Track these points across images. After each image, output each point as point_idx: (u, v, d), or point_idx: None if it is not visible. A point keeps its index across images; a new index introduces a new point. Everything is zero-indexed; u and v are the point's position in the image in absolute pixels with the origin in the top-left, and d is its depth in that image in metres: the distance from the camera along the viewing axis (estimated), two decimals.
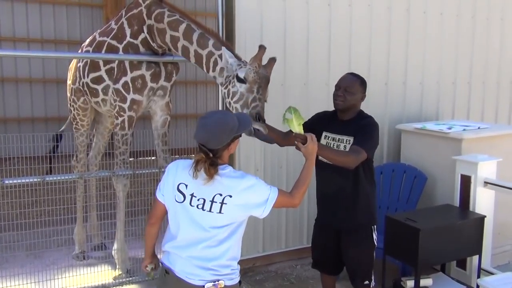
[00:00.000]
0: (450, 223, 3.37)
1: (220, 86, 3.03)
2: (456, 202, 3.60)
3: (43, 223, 3.68)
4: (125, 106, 3.44)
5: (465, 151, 3.75)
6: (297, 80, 4.04)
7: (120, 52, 3.42)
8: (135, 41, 3.39)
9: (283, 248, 4.20)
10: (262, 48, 2.85)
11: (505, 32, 5.16)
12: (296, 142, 2.37)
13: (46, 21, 7.94)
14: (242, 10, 3.71)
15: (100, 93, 3.62)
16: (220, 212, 2.01)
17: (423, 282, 3.27)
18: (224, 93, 2.92)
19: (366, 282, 2.83)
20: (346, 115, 2.81)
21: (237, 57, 2.97)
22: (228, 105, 2.90)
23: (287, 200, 2.17)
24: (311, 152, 2.32)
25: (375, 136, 2.77)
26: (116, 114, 3.50)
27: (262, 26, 3.83)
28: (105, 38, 3.57)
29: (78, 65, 3.86)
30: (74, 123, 4.20)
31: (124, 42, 3.41)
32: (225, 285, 2.04)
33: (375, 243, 2.83)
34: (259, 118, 2.73)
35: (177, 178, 2.07)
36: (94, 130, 4.38)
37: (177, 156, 3.76)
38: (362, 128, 2.72)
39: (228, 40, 3.57)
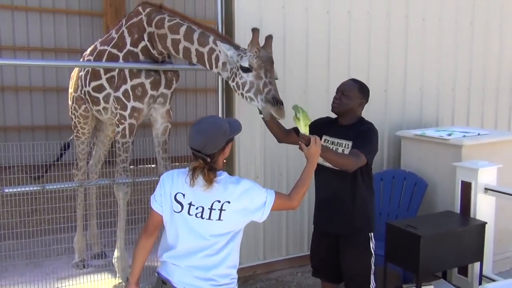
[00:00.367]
0: (451, 230, 3.36)
1: (228, 81, 3.02)
2: (457, 209, 3.59)
3: (43, 232, 3.67)
4: (126, 114, 3.44)
5: (465, 157, 3.75)
6: (297, 88, 4.05)
7: (120, 60, 3.44)
8: (135, 50, 3.40)
9: (283, 256, 4.19)
10: (255, 31, 2.86)
11: (504, 38, 5.18)
12: (300, 142, 2.38)
13: (46, 29, 7.98)
14: (242, 17, 3.73)
15: (101, 101, 3.63)
16: (219, 219, 1.99)
17: None
18: (233, 86, 2.94)
19: None
20: (345, 119, 2.83)
21: (235, 46, 2.97)
22: (241, 96, 2.91)
23: (285, 203, 2.16)
24: (313, 154, 2.31)
25: (374, 142, 2.78)
26: (117, 122, 3.50)
27: (261, 33, 3.83)
28: (105, 47, 3.58)
29: (80, 74, 3.87)
30: (75, 131, 4.20)
31: (124, 51, 3.42)
32: None
33: (373, 252, 2.83)
34: (276, 101, 2.74)
35: (173, 188, 2.05)
36: (94, 138, 4.38)
37: (177, 164, 3.76)
38: (362, 133, 2.74)
39: None
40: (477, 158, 3.67)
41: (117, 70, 3.46)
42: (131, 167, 3.66)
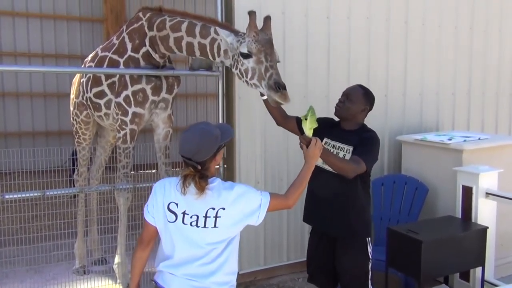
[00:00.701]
0: (453, 235, 3.35)
1: (231, 69, 3.00)
2: (458, 214, 3.58)
3: (43, 238, 3.66)
4: (127, 119, 3.45)
5: (466, 162, 3.75)
6: (297, 93, 4.04)
7: (121, 66, 3.44)
8: (136, 55, 3.41)
9: (284, 261, 4.18)
10: (252, 14, 2.83)
11: (503, 43, 5.19)
12: (301, 142, 2.40)
13: (47, 35, 8.01)
14: (242, 23, 3.73)
15: (103, 107, 3.63)
16: (215, 226, 1.97)
17: None
18: (237, 74, 2.92)
19: None
20: (348, 125, 2.84)
21: (235, 31, 2.95)
22: (246, 84, 2.89)
23: (281, 202, 2.15)
24: (312, 156, 2.31)
25: (375, 150, 2.79)
26: (118, 128, 3.51)
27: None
28: (106, 53, 3.59)
29: (81, 80, 3.88)
30: (76, 137, 4.20)
31: (125, 57, 3.43)
32: None
33: (370, 256, 2.83)
34: (279, 86, 2.71)
35: (166, 198, 2.02)
36: (96, 144, 4.38)
37: (178, 169, 3.75)
38: (364, 140, 2.74)
39: None
40: (478, 162, 3.66)
41: (118, 76, 3.46)
42: (132, 172, 3.66)
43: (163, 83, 3.52)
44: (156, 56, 3.40)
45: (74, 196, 4.18)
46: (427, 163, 4.07)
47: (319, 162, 2.87)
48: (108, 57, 3.55)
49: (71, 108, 4.16)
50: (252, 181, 3.90)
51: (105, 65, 3.55)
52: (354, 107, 2.81)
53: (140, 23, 3.40)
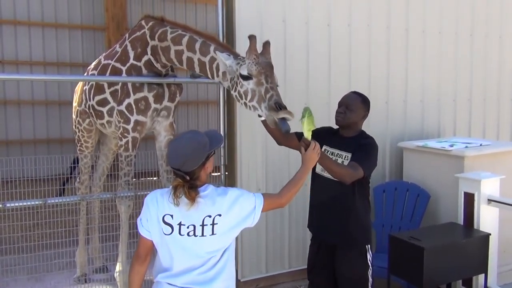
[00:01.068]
0: (455, 242, 3.34)
1: (230, 91, 2.99)
2: (460, 220, 3.57)
3: (44, 246, 3.65)
4: (129, 127, 3.45)
5: (468, 168, 3.74)
6: (298, 100, 4.05)
7: (123, 74, 3.45)
8: (138, 63, 3.42)
9: (286, 269, 4.16)
10: (252, 38, 2.83)
11: (503, 49, 5.20)
12: (300, 145, 2.41)
13: (48, 44, 8.05)
14: (242, 31, 3.75)
15: (106, 115, 3.64)
16: (213, 233, 1.96)
17: None
18: (236, 96, 2.90)
19: None
20: (348, 132, 2.85)
21: (235, 55, 2.95)
22: (245, 106, 2.87)
23: (274, 202, 2.16)
24: (309, 159, 2.32)
25: (373, 156, 2.80)
26: (120, 136, 3.51)
27: (261, 47, 3.86)
28: (109, 61, 3.60)
29: (84, 88, 3.89)
30: (78, 145, 4.21)
31: (127, 65, 3.44)
32: None
33: (370, 264, 2.83)
34: (280, 106, 2.68)
35: (160, 211, 2.00)
36: (98, 152, 4.39)
37: None
38: (362, 147, 2.76)
39: None
40: (480, 169, 3.66)
41: (120, 84, 3.47)
42: (133, 180, 3.66)
43: (165, 91, 3.53)
44: (158, 66, 3.41)
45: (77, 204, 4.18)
46: (428, 170, 4.06)
47: (318, 169, 2.88)
48: (110, 65, 3.57)
49: (74, 116, 4.17)
50: (254, 188, 3.89)
51: (107, 73, 3.56)
52: (355, 116, 2.83)
53: (142, 31, 3.41)
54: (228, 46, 3.25)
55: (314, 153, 2.33)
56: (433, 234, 3.44)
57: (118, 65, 3.50)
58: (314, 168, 2.94)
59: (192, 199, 1.92)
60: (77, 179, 4.28)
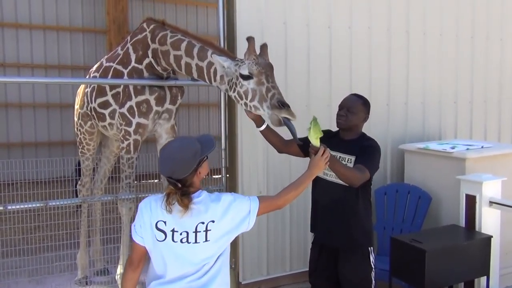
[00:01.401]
0: (457, 244, 3.34)
1: (228, 93, 2.98)
2: (462, 223, 3.56)
3: (45, 249, 3.65)
4: (131, 129, 3.45)
5: (469, 170, 3.74)
6: (299, 103, 4.05)
7: (125, 77, 3.45)
8: (139, 66, 3.42)
9: (288, 271, 4.16)
10: (251, 40, 2.82)
11: (504, 51, 5.20)
12: (310, 152, 2.42)
13: (50, 47, 8.06)
14: (243, 33, 3.75)
15: (107, 117, 3.64)
16: (206, 240, 1.94)
17: None
18: (235, 96, 2.88)
19: None
20: (348, 134, 2.85)
21: (232, 58, 2.94)
22: (245, 106, 2.85)
23: (270, 204, 2.13)
24: (315, 165, 2.31)
25: (377, 158, 2.80)
26: (122, 138, 3.51)
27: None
28: (111, 64, 3.61)
29: (86, 90, 3.90)
30: (80, 147, 4.21)
31: (129, 67, 3.45)
32: None
33: (373, 266, 2.82)
34: (283, 104, 2.66)
35: (153, 217, 1.98)
36: (100, 154, 4.40)
37: None
38: (365, 149, 2.75)
39: None
40: (481, 171, 3.66)
41: (122, 86, 3.48)
42: (134, 182, 3.67)
43: (166, 93, 3.53)
44: (158, 68, 3.41)
45: (79, 206, 4.18)
46: (430, 172, 4.06)
47: (320, 173, 2.87)
48: (112, 68, 3.57)
49: (75, 119, 4.18)
50: (255, 191, 3.89)
51: (109, 76, 3.57)
52: (356, 118, 2.83)
53: (144, 34, 3.42)
54: (226, 50, 3.25)
55: (321, 161, 2.31)
56: (434, 236, 3.44)
57: (119, 67, 3.51)
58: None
59: (185, 206, 1.91)
60: (79, 182, 4.28)
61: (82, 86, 4.12)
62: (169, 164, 1.94)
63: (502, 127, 5.24)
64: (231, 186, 3.87)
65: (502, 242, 3.59)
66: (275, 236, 4.06)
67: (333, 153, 2.82)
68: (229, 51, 3.41)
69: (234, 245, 3.94)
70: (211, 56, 3.02)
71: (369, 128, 3.81)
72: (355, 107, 2.83)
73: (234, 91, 2.86)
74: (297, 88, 4.05)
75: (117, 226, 3.75)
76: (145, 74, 3.43)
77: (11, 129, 7.86)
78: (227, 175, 3.83)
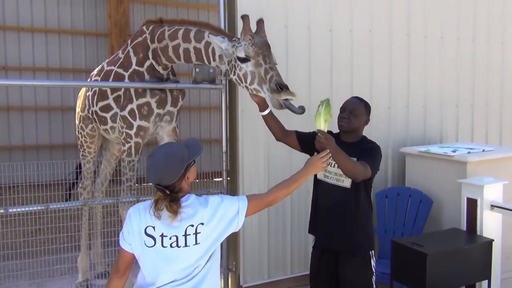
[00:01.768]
0: (458, 248, 3.33)
1: (229, 75, 2.96)
2: (463, 226, 3.55)
3: (46, 251, 3.65)
4: (132, 132, 3.46)
5: (470, 174, 3.73)
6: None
7: (126, 80, 3.46)
8: (140, 69, 3.43)
9: (288, 274, 4.15)
10: (245, 18, 2.79)
11: (505, 55, 5.20)
12: (317, 140, 2.40)
13: (51, 50, 8.08)
14: None
15: (109, 120, 3.65)
16: (196, 243, 1.94)
17: None
18: (236, 79, 2.86)
19: None
20: (350, 137, 2.85)
21: (229, 37, 2.90)
22: (246, 89, 2.83)
23: (260, 202, 2.13)
24: (312, 164, 2.31)
25: (378, 159, 2.80)
26: (123, 141, 3.52)
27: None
28: (112, 67, 3.62)
29: (87, 93, 3.90)
30: (81, 150, 4.22)
31: (130, 70, 3.45)
32: None
33: (374, 270, 2.82)
34: (281, 87, 2.63)
35: (142, 223, 1.97)
36: (101, 157, 4.40)
37: None
38: (367, 150, 2.77)
39: None
40: (482, 174, 3.65)
41: (123, 89, 3.48)
42: (136, 185, 3.67)
43: (168, 96, 3.54)
44: (159, 69, 3.42)
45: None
46: (431, 175, 4.05)
47: (321, 175, 2.87)
48: (113, 71, 3.58)
49: (77, 122, 4.18)
50: (256, 190, 3.88)
51: (110, 79, 3.57)
52: (358, 121, 2.84)
53: (143, 36, 3.43)
54: (224, 30, 3.21)
55: (319, 161, 2.29)
56: (436, 240, 3.43)
57: (120, 71, 3.51)
58: (316, 174, 2.93)
59: (174, 212, 1.91)
60: (80, 185, 4.28)
61: (83, 89, 4.12)
62: (156, 171, 1.94)
63: (503, 130, 5.24)
64: (232, 189, 3.87)
65: (503, 246, 3.58)
66: (276, 239, 4.05)
67: None
68: (221, 28, 3.33)
69: (235, 248, 3.93)
70: (208, 37, 2.99)
71: (371, 131, 3.81)
72: (357, 109, 2.83)
73: (234, 74, 2.84)
74: (298, 90, 4.00)
75: (118, 229, 3.74)
76: (146, 76, 3.44)
77: (13, 132, 7.87)
78: (228, 178, 3.83)
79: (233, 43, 2.83)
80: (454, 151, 3.97)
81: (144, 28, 3.46)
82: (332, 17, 4.19)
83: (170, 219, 1.92)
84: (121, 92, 3.51)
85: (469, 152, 3.93)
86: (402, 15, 4.54)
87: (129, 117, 3.44)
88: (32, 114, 7.99)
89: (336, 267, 2.83)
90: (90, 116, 3.89)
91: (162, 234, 1.94)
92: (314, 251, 3.00)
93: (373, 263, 2.82)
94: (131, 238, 2.00)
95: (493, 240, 3.37)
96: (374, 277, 2.83)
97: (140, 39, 3.46)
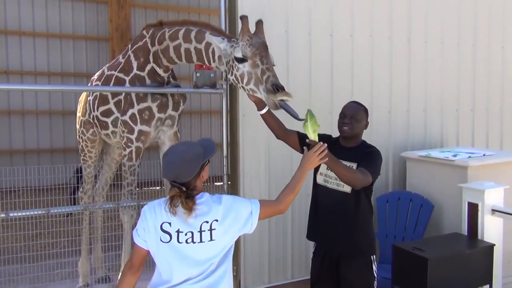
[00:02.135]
0: (459, 252, 3.32)
1: (227, 76, 2.97)
2: (464, 231, 3.55)
3: (47, 256, 3.65)
4: (133, 137, 3.46)
5: (471, 178, 3.73)
6: (300, 110, 4.05)
7: (127, 84, 3.47)
8: (141, 73, 3.44)
9: (289, 279, 4.14)
10: (244, 19, 2.79)
11: (506, 59, 5.21)
12: (307, 147, 2.40)
13: (53, 54, 8.10)
14: None
15: (110, 125, 3.65)
16: (211, 239, 1.98)
17: None
18: (233, 80, 2.87)
19: None
20: (350, 142, 2.85)
21: (228, 37, 2.92)
22: (243, 90, 2.84)
23: (272, 208, 2.15)
24: (307, 159, 2.31)
25: (379, 164, 2.80)
26: (124, 145, 3.52)
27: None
28: (113, 72, 3.62)
29: (88, 98, 3.91)
30: (82, 154, 4.22)
31: (131, 75, 3.46)
32: None
33: (375, 275, 2.81)
34: (277, 88, 2.63)
35: (158, 220, 2.01)
36: (101, 161, 4.40)
37: None
38: (367, 155, 2.76)
39: None
40: (483, 179, 3.65)
41: (123, 94, 3.49)
42: (136, 189, 3.67)
43: (169, 100, 3.54)
44: (160, 71, 3.42)
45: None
46: (432, 180, 4.05)
47: (320, 180, 2.87)
48: (114, 76, 3.59)
49: (77, 126, 4.19)
50: (256, 198, 3.87)
51: (111, 84, 3.58)
52: (360, 126, 2.85)
53: (144, 40, 3.44)
54: (224, 31, 3.22)
55: (314, 156, 2.30)
56: (437, 244, 3.43)
57: (121, 75, 3.52)
58: (315, 179, 2.94)
59: (189, 209, 1.94)
60: (80, 189, 4.29)
61: (83, 94, 4.13)
62: (174, 168, 1.98)
63: (504, 134, 5.24)
64: (233, 193, 3.87)
65: (504, 251, 3.58)
66: (277, 244, 4.05)
67: None
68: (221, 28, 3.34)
69: (236, 252, 3.92)
70: (208, 37, 3.00)
71: (371, 136, 3.81)
72: (358, 114, 2.84)
73: (231, 74, 2.85)
74: (298, 95, 4.04)
75: (119, 233, 3.74)
76: (148, 81, 3.44)
77: (14, 136, 7.89)
78: (229, 182, 3.83)
79: (231, 44, 2.84)
80: (455, 156, 3.97)
81: (144, 32, 3.47)
82: (332, 23, 4.19)
83: (185, 216, 1.95)
84: (122, 97, 3.51)
85: (470, 157, 3.92)
86: (402, 20, 4.54)
87: (130, 122, 3.44)
88: (33, 118, 8.00)
89: (337, 273, 2.82)
90: (91, 120, 3.89)
91: (178, 230, 1.97)
92: (314, 257, 3.00)
93: (374, 267, 2.82)
94: (146, 235, 2.02)
95: (494, 245, 3.37)
96: (375, 282, 2.83)
97: (140, 43, 3.47)
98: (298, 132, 2.94)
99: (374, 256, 2.85)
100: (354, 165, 2.74)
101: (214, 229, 1.98)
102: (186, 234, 1.97)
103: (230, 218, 2.01)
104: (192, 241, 1.96)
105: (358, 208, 2.77)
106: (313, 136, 2.41)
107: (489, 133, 5.13)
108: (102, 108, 3.68)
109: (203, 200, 2.01)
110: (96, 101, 3.73)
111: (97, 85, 3.80)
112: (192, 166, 1.99)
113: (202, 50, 3.07)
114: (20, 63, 7.85)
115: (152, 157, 4.16)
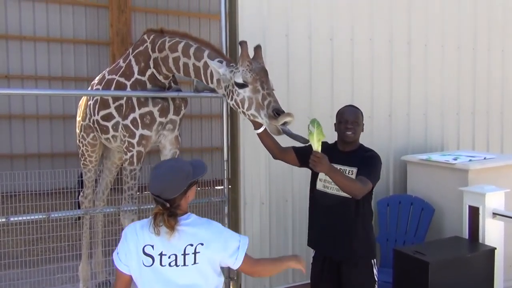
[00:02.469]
0: (460, 256, 3.32)
1: (227, 100, 2.97)
2: (465, 234, 3.54)
3: (47, 260, 3.65)
4: (134, 141, 3.46)
5: (472, 182, 3.73)
6: (301, 114, 4.06)
7: (128, 89, 3.47)
8: (142, 78, 3.44)
9: (290, 283, 4.13)
10: (243, 44, 2.80)
11: (506, 62, 5.21)
12: (312, 160, 2.42)
13: (54, 59, 8.12)
14: None
15: (111, 129, 3.65)
16: (195, 262, 1.91)
17: None
18: (233, 105, 2.87)
19: None
20: (349, 146, 2.86)
21: (227, 61, 2.93)
22: (243, 115, 2.84)
23: (250, 264, 2.06)
24: (292, 259, 2.31)
25: (378, 169, 2.80)
26: (125, 150, 3.52)
27: (265, 62, 3.89)
28: (113, 76, 3.63)
29: (89, 102, 3.90)
30: (82, 159, 4.22)
31: (132, 79, 3.46)
32: None
33: (376, 279, 2.81)
34: (278, 113, 2.63)
35: (139, 242, 1.95)
36: (101, 166, 4.40)
37: None
38: (367, 160, 2.76)
39: None
40: (484, 182, 3.64)
41: (125, 98, 3.49)
42: (137, 194, 3.67)
43: (170, 104, 3.54)
44: (160, 78, 3.43)
45: (79, 218, 4.17)
46: (432, 183, 4.05)
47: (320, 186, 2.87)
48: (115, 80, 3.59)
49: (78, 131, 4.19)
50: (257, 202, 3.89)
51: (112, 88, 3.58)
52: (360, 129, 2.88)
53: (145, 45, 3.44)
54: (223, 53, 3.23)
55: (295, 260, 2.28)
56: (438, 248, 3.42)
57: (122, 80, 3.52)
58: (315, 184, 2.93)
59: (171, 227, 1.89)
60: (81, 193, 4.28)
61: (83, 98, 4.13)
62: (160, 183, 1.92)
63: (505, 138, 5.24)
64: (233, 197, 3.87)
65: (505, 254, 3.57)
66: (277, 248, 4.04)
67: (335, 165, 2.81)
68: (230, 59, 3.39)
69: None
70: (207, 57, 3.00)
71: (372, 139, 3.82)
72: (358, 118, 2.87)
73: (231, 99, 2.86)
74: (299, 99, 4.06)
75: (119, 238, 3.73)
76: (148, 85, 3.45)
77: (14, 141, 7.89)
78: (229, 186, 3.83)
79: (230, 69, 2.84)
80: (455, 159, 3.97)
81: (145, 37, 3.47)
82: (332, 27, 4.20)
83: (168, 235, 1.90)
84: (123, 101, 3.51)
85: (470, 160, 3.92)
86: (402, 24, 4.55)
87: (131, 126, 3.44)
88: (34, 122, 8.01)
89: (338, 277, 2.82)
90: (92, 125, 3.89)
91: (161, 252, 1.92)
92: (314, 261, 3.00)
93: (375, 271, 2.82)
94: (128, 259, 1.97)
95: (495, 248, 3.36)
96: (376, 286, 2.82)
97: (141, 48, 3.47)
98: (293, 147, 2.94)
99: (375, 260, 2.85)
100: (354, 170, 2.74)
101: (199, 252, 1.91)
102: (169, 257, 1.91)
103: (216, 245, 1.94)
104: (176, 265, 1.91)
105: (358, 212, 2.77)
106: (316, 146, 2.41)
107: (490, 137, 5.13)
108: (102, 113, 3.68)
109: (190, 221, 1.96)
110: (97, 106, 3.73)
111: (97, 89, 3.80)
112: (178, 183, 1.93)
113: (200, 69, 3.08)
114: (21, 68, 7.86)
115: (153, 161, 4.17)
